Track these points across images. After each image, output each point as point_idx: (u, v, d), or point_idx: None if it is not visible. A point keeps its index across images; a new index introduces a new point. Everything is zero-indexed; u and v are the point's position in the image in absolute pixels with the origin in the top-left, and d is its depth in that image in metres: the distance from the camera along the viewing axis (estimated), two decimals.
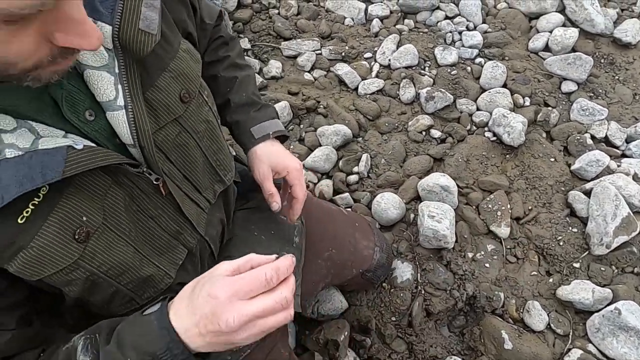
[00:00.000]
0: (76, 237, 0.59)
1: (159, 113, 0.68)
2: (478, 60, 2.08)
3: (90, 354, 0.60)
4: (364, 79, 2.04)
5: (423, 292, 1.47)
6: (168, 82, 0.69)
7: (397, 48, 2.10)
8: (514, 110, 1.88)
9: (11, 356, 0.64)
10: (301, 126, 1.93)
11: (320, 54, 2.14)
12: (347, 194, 1.69)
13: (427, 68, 2.06)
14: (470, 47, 2.11)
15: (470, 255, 1.56)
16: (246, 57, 2.07)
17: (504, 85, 1.97)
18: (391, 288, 1.48)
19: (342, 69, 2.04)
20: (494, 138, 1.83)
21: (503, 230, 1.58)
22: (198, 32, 0.91)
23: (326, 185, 1.72)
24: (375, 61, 2.10)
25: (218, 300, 0.55)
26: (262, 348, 1.03)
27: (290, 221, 1.04)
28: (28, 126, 0.55)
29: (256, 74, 2.03)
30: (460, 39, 2.16)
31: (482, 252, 1.57)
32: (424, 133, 1.87)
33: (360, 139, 1.87)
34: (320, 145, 1.81)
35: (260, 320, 0.56)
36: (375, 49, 2.13)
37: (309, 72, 2.09)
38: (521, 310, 1.46)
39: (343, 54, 2.12)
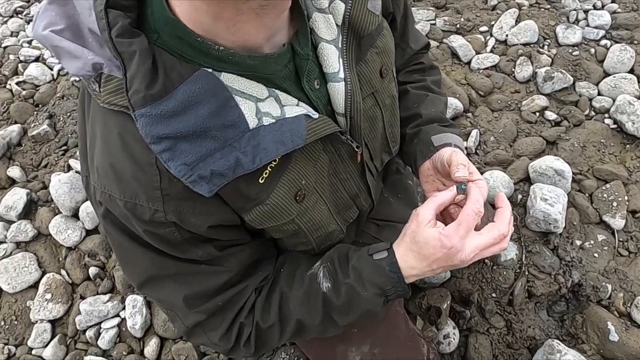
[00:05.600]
0: (296, 198, 0.67)
1: (362, 86, 0.72)
2: (603, 42, 1.96)
3: (329, 279, 0.74)
4: (478, 53, 1.99)
5: (527, 273, 1.46)
6: (373, 58, 0.73)
7: (516, 23, 2.02)
8: None
9: (259, 260, 0.77)
10: None
11: (434, 24, 2.10)
12: None
13: (546, 47, 1.97)
14: (596, 27, 1.99)
15: (578, 242, 1.52)
16: None
17: (631, 71, 1.85)
18: (493, 265, 1.48)
19: (456, 41, 2.00)
20: (614, 126, 1.74)
21: (617, 222, 1.53)
22: (396, 48, 0.90)
23: None
24: (491, 35, 2.04)
25: (452, 248, 0.67)
26: None
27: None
28: (274, 95, 0.60)
29: None
30: (586, 18, 2.04)
31: (592, 242, 1.53)
32: (537, 114, 1.81)
33: (470, 114, 1.84)
34: None
35: (480, 252, 0.69)
36: (492, 22, 2.07)
37: None
38: (629, 305, 1.42)
39: (458, 25, 2.08)
